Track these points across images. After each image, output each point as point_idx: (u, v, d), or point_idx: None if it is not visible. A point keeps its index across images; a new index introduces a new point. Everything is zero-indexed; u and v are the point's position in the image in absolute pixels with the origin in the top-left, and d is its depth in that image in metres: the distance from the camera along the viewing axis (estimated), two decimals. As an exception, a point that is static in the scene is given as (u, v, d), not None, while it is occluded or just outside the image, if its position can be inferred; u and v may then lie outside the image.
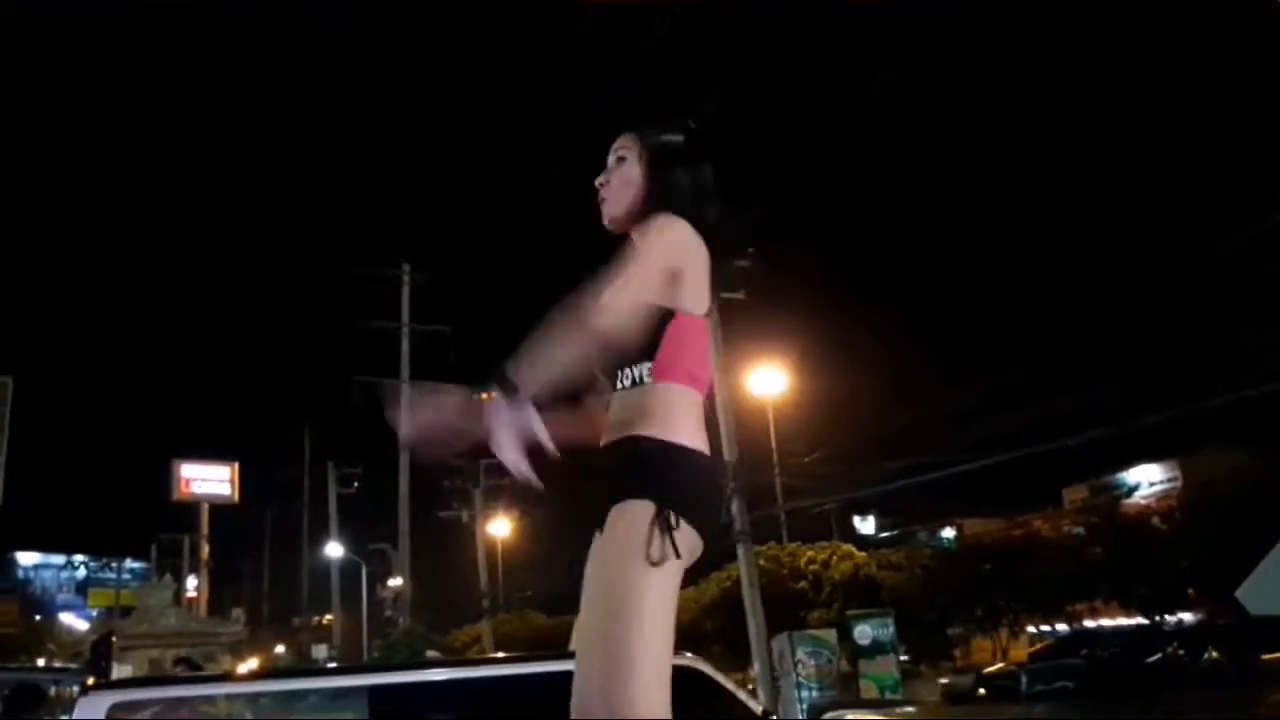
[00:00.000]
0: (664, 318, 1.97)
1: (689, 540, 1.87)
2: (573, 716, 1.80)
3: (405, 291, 26.07)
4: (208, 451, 36.34)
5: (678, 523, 1.84)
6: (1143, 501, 31.58)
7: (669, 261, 1.96)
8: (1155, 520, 25.76)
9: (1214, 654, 12.53)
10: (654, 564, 1.80)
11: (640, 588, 1.79)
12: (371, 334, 25.71)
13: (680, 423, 1.95)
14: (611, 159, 2.18)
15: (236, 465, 36.11)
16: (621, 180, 2.13)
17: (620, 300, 1.86)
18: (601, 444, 2.01)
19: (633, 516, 1.84)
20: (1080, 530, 27.54)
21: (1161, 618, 25.42)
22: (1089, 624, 29.35)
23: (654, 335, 1.96)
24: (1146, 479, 40.27)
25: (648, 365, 1.97)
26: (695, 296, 2.01)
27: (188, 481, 34.70)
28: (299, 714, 4.18)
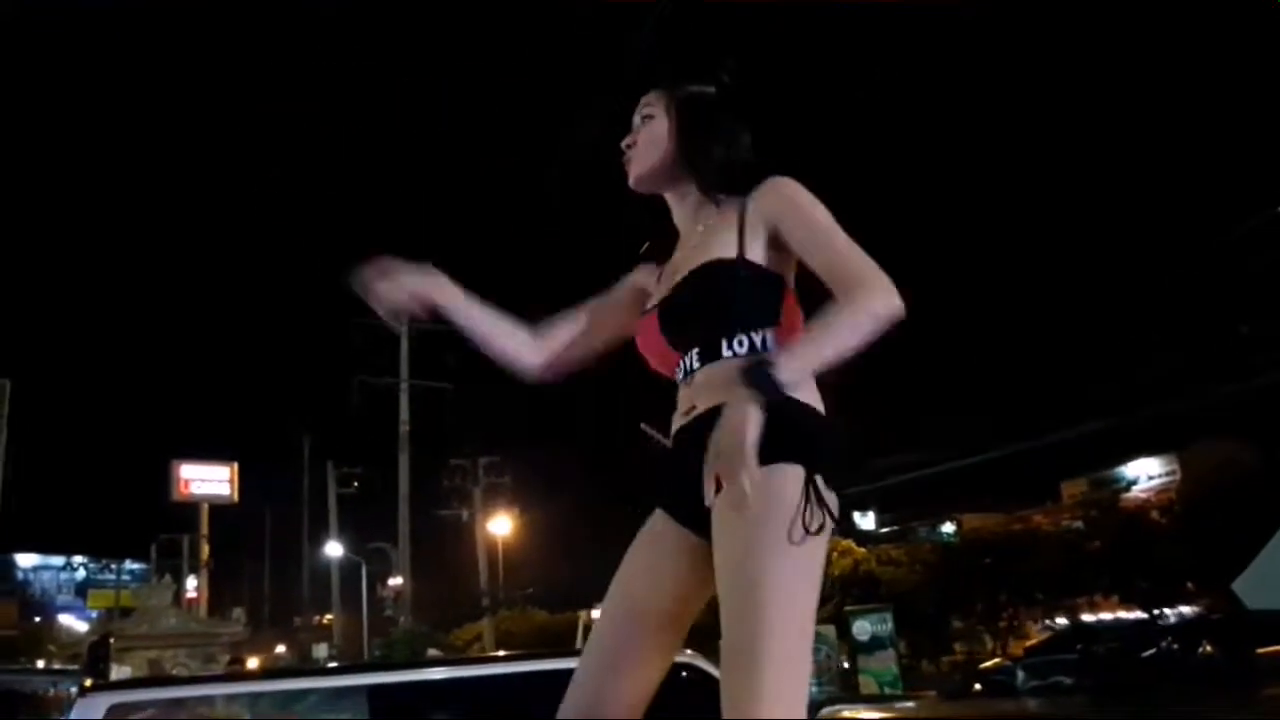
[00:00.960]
0: (783, 284, 1.86)
1: (835, 505, 1.71)
2: None
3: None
4: (207, 451, 36.37)
5: (830, 486, 1.69)
6: (1141, 495, 31.67)
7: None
8: (1154, 514, 25.82)
9: (1208, 648, 12.52)
10: (813, 533, 1.63)
11: (791, 573, 1.61)
12: (370, 332, 25.71)
13: (811, 388, 1.79)
14: (637, 119, 2.04)
15: (236, 465, 36.14)
16: (648, 138, 2.00)
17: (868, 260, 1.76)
18: (690, 411, 1.82)
19: (778, 485, 1.64)
20: (1079, 524, 27.62)
21: (1161, 611, 25.45)
22: (1088, 618, 29.38)
23: (778, 300, 1.84)
24: (1145, 473, 40.35)
25: (771, 330, 1.81)
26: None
27: (187, 482, 34.72)
28: (298, 714, 4.17)
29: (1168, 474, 38.31)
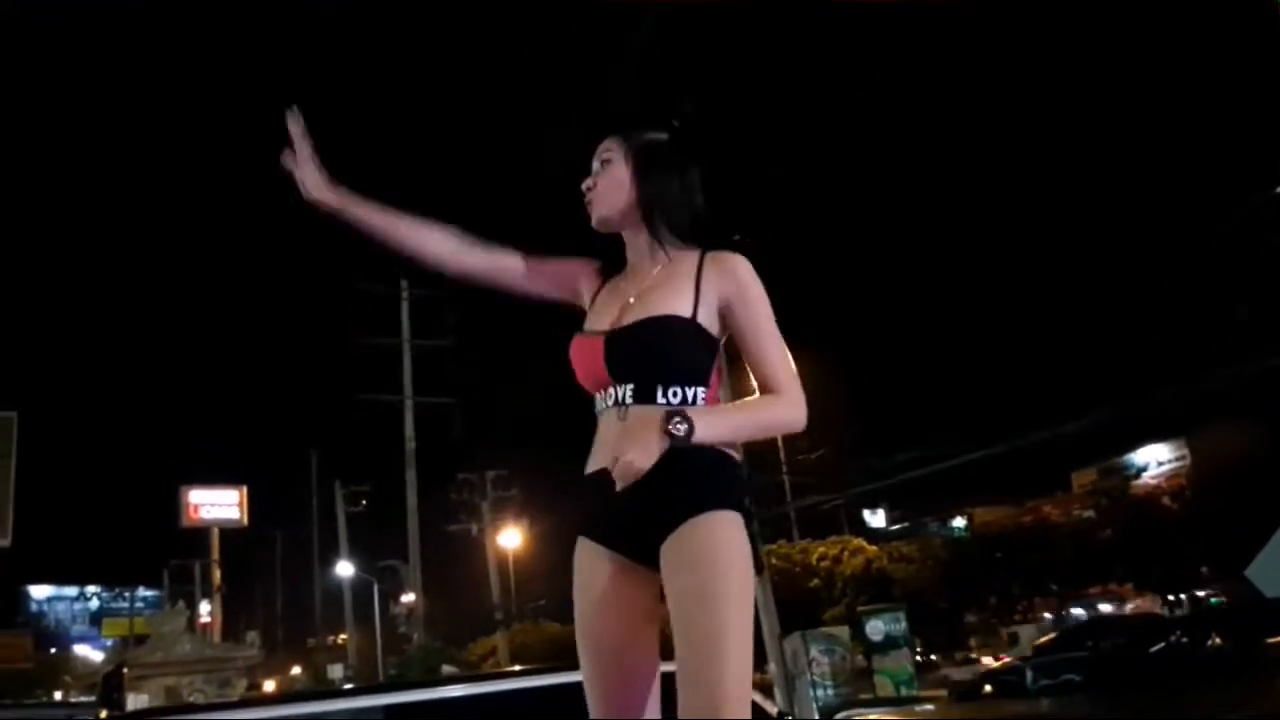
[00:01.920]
0: (718, 350, 2.06)
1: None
2: None
3: (404, 307, 26.08)
4: (215, 476, 36.33)
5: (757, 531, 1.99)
6: (1152, 482, 31.59)
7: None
8: (1165, 500, 25.76)
9: (1217, 640, 12.41)
10: (756, 574, 1.90)
11: (750, 606, 1.86)
12: (372, 351, 25.73)
13: (736, 444, 2.04)
14: (596, 163, 2.18)
15: (245, 489, 36.09)
16: (609, 182, 2.14)
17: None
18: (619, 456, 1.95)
19: (733, 528, 1.91)
20: (1090, 514, 27.54)
21: (1176, 598, 25.37)
22: (1104, 607, 29.30)
23: (712, 363, 2.04)
24: (1154, 459, 40.25)
25: (702, 389, 2.00)
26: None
27: (196, 507, 34.67)
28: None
29: (1177, 459, 38.20)
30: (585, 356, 2.06)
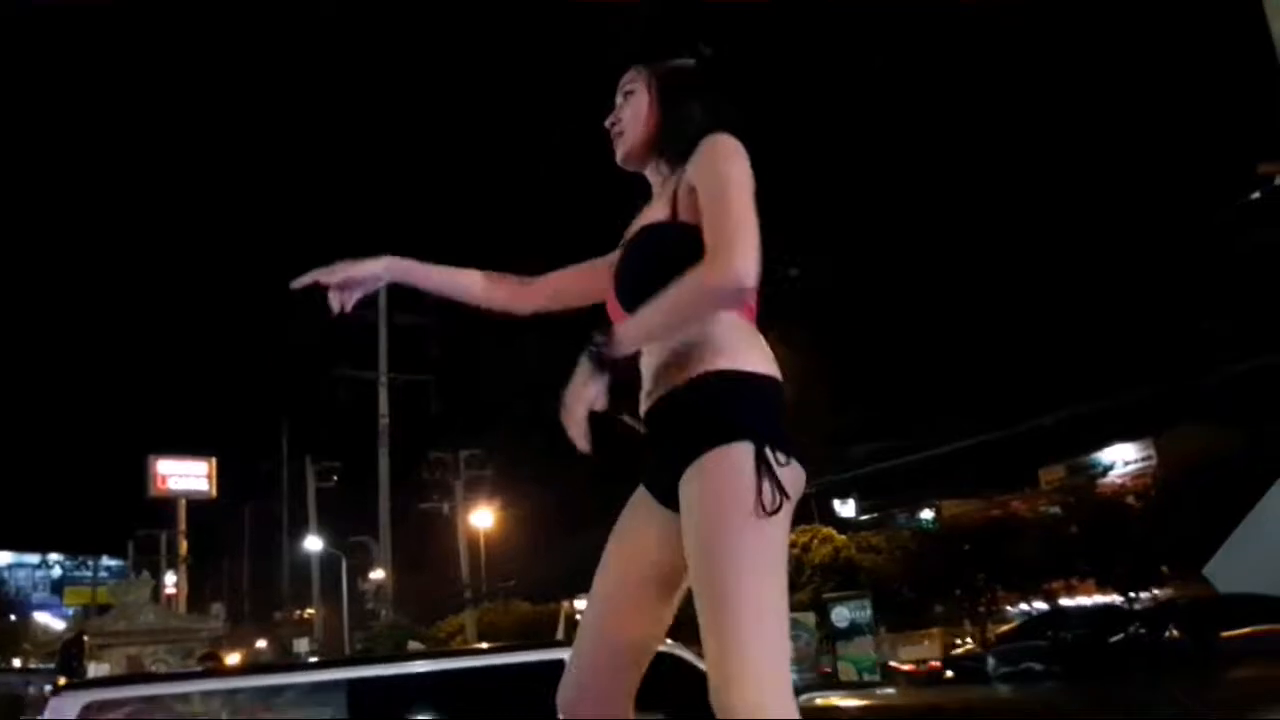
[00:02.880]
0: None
1: (794, 477, 1.70)
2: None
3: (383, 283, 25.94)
4: (184, 447, 36.04)
5: (784, 459, 1.67)
6: (1118, 480, 31.93)
7: (750, 183, 1.78)
8: (1130, 499, 26.07)
9: (1175, 633, 12.67)
10: (768, 515, 1.62)
11: (755, 552, 1.60)
12: (350, 327, 25.58)
13: (752, 352, 1.78)
14: (619, 97, 2.03)
15: (214, 460, 35.82)
16: (633, 114, 1.99)
17: (751, 246, 1.68)
18: (651, 391, 1.83)
19: (733, 463, 1.64)
20: (1057, 510, 27.86)
21: (1136, 595, 25.71)
22: (1066, 602, 29.65)
23: None
24: (1121, 458, 40.70)
25: None
26: None
27: (164, 478, 34.36)
28: (277, 710, 4.13)
29: (1144, 459, 38.65)
30: (610, 305, 1.96)
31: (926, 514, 44.00)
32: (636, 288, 1.81)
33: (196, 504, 35.07)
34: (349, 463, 33.38)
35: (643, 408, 1.87)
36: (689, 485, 1.69)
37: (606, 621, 1.87)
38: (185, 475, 34.91)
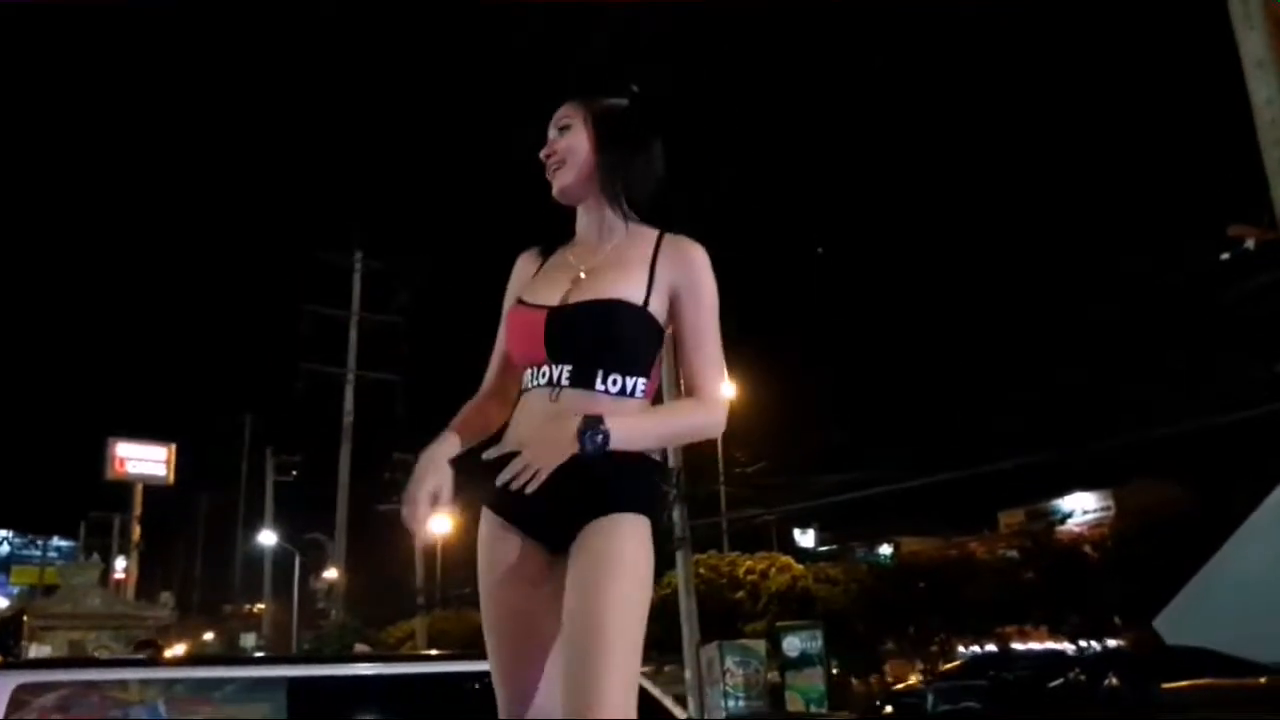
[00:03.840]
0: (663, 340, 1.97)
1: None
2: None
3: (356, 279, 25.82)
4: (144, 430, 35.57)
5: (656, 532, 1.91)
6: (1076, 529, 32.23)
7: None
8: (1087, 548, 26.29)
9: (1114, 681, 12.78)
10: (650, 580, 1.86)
11: (642, 608, 1.80)
12: (320, 320, 25.43)
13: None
14: (553, 130, 2.08)
15: (174, 446, 35.37)
16: (568, 149, 2.03)
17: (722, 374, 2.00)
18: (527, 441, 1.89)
19: (641, 533, 1.85)
20: (1014, 554, 28.02)
21: (1088, 644, 25.91)
22: (1018, 646, 29.82)
23: (656, 354, 1.96)
24: (1081, 507, 41.12)
25: (642, 380, 1.91)
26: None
27: (122, 460, 33.82)
28: (214, 703, 4.07)
29: (1102, 509, 39.07)
30: (523, 330, 1.96)
31: (885, 549, 44.19)
32: (583, 350, 1.90)
33: (153, 489, 34.57)
34: (310, 458, 33.13)
35: (518, 462, 1.91)
36: (592, 536, 1.83)
37: (521, 686, 1.92)
38: (144, 459, 34.38)
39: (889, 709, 15.24)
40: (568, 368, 1.89)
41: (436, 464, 2.00)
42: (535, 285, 2.01)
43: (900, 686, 18.02)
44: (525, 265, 2.11)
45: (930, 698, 14.10)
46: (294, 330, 25.41)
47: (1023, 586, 25.91)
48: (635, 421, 1.87)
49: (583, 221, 2.07)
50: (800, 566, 29.33)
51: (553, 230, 2.12)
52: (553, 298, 1.95)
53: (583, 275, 1.96)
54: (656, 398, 2.00)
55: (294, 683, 4.19)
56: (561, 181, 2.04)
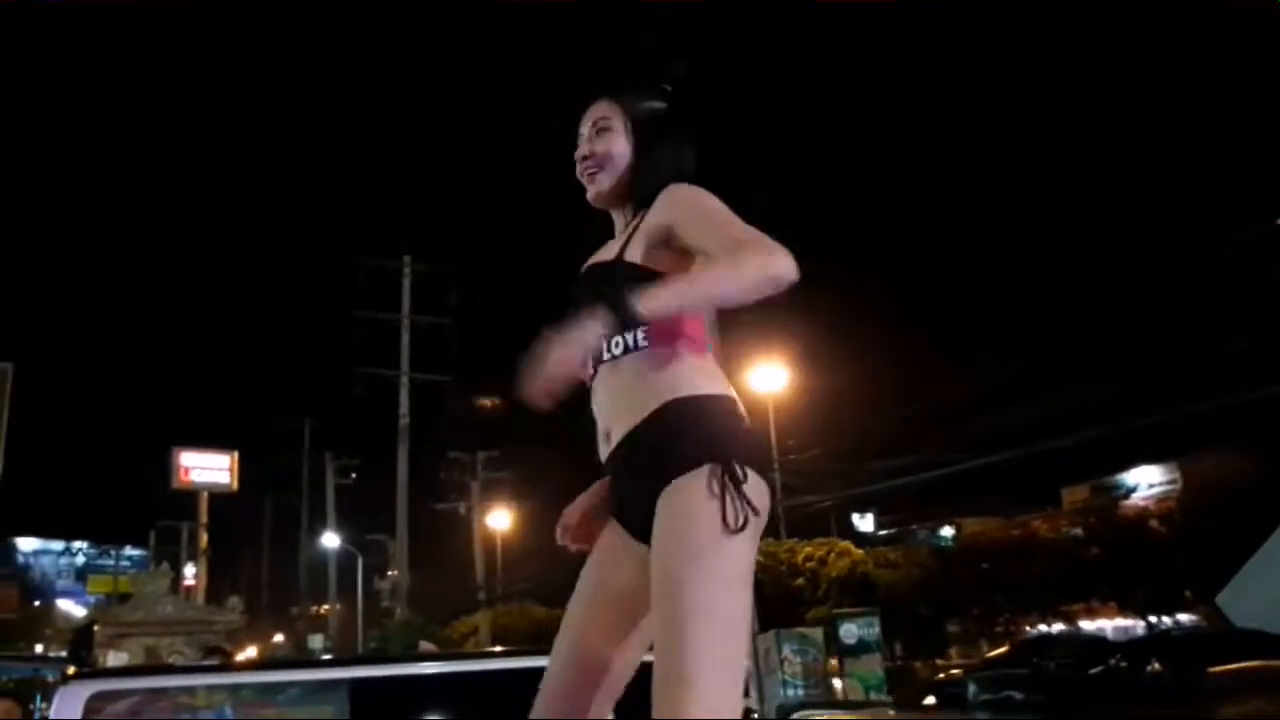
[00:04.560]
0: (655, 278, 1.83)
1: (761, 492, 1.73)
2: None
3: (406, 283, 26.09)
4: (207, 439, 36.30)
5: (746, 475, 1.69)
6: (1141, 503, 31.59)
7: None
8: (1154, 522, 25.77)
9: (1157, 666, 12.41)
10: (735, 532, 1.65)
11: (719, 567, 1.64)
12: (372, 325, 25.75)
13: (702, 377, 1.82)
14: (587, 129, 2.05)
15: (236, 454, 36.07)
16: (609, 154, 2.01)
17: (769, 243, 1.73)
18: (610, 433, 1.86)
19: (699, 487, 1.68)
20: (1078, 531, 27.55)
21: (1158, 619, 25.41)
22: (1086, 625, 29.35)
23: None
24: (1146, 481, 40.24)
25: (640, 331, 1.81)
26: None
27: (187, 470, 34.59)
28: (281, 706, 4.16)
29: (1168, 482, 38.18)
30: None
31: (946, 531, 43.70)
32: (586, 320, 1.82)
33: (218, 497, 35.31)
34: (368, 460, 33.59)
35: (603, 451, 1.91)
36: (661, 514, 1.72)
37: (577, 646, 1.88)
38: (208, 468, 35.12)
39: (931, 699, 15.08)
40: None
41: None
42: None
43: (942, 676, 17.83)
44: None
45: (971, 687, 13.91)
46: (348, 336, 25.79)
47: (1088, 563, 25.46)
48: (671, 281, 1.76)
49: (617, 221, 2.06)
50: (860, 551, 29.11)
51: (596, 230, 2.11)
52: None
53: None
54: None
55: (356, 684, 4.26)
56: (599, 187, 2.03)
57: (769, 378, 22.36)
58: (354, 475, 33.56)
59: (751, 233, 1.75)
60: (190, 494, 34.59)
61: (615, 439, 1.85)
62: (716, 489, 1.68)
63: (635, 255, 1.88)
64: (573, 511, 2.02)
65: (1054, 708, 11.91)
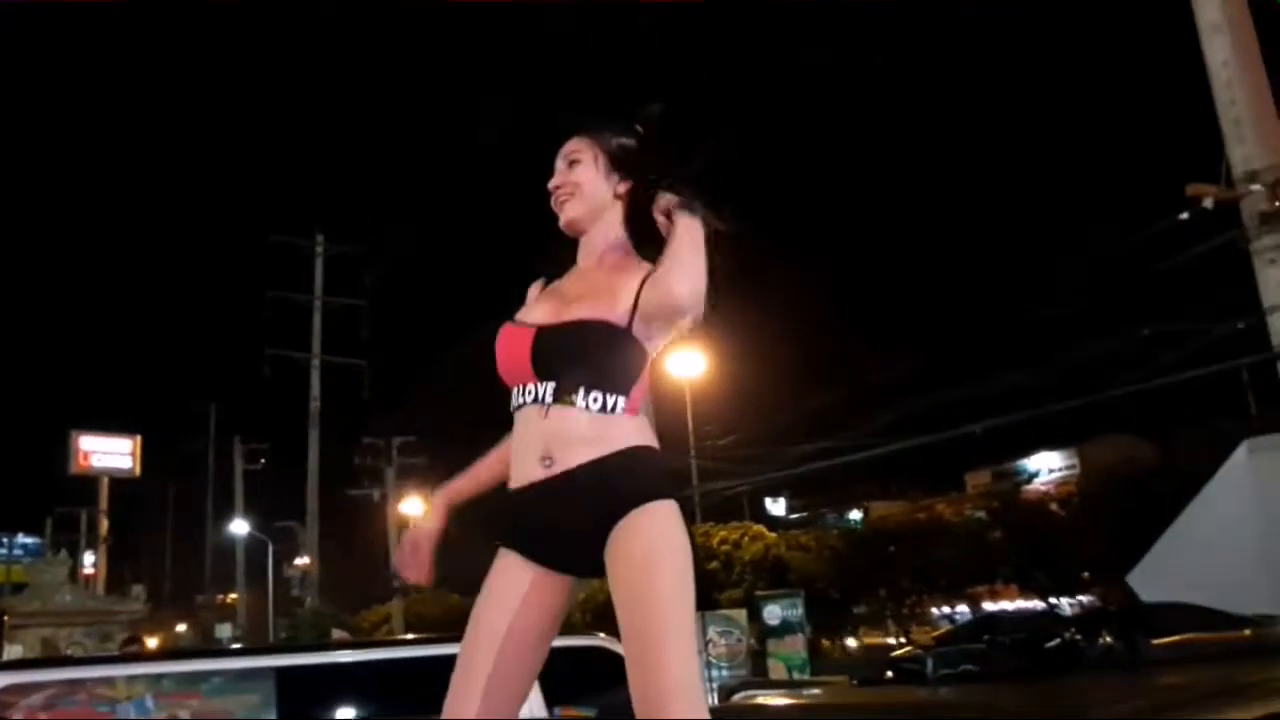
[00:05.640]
0: (646, 361, 2.02)
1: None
2: None
3: (318, 263, 25.58)
4: (108, 422, 35.11)
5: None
6: (1042, 488, 32.73)
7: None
8: (1054, 506, 26.71)
9: (1108, 639, 13.21)
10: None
11: (687, 594, 1.84)
12: (283, 305, 25.19)
13: (650, 434, 2.01)
14: (561, 162, 2.16)
15: (139, 438, 34.96)
16: (578, 184, 2.12)
17: (699, 268, 1.90)
18: (552, 465, 1.94)
19: (668, 516, 1.89)
20: (982, 515, 28.42)
21: (1058, 601, 26.36)
22: (989, 606, 30.30)
23: (639, 373, 2.00)
24: (1046, 466, 41.76)
25: (623, 397, 1.96)
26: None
27: (86, 454, 33.43)
28: (205, 696, 4.06)
29: (1068, 467, 39.70)
30: (512, 348, 2.03)
31: (855, 514, 44.68)
32: (566, 367, 1.96)
33: (119, 482, 34.21)
34: (278, 446, 32.89)
35: (531, 474, 1.96)
36: (628, 536, 1.87)
37: (488, 692, 1.93)
38: (109, 452, 34.00)
39: (889, 674, 15.55)
40: (552, 385, 1.96)
41: (417, 540, 2.21)
42: (531, 307, 2.11)
43: (900, 652, 18.35)
44: (532, 293, 2.20)
45: (930, 662, 14.40)
46: (257, 316, 25.19)
47: (991, 546, 26.29)
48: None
49: (583, 251, 2.15)
50: (773, 535, 29.58)
51: (559, 251, 2.19)
52: (541, 317, 2.03)
53: (573, 299, 2.04)
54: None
55: (281, 672, 4.19)
56: (570, 214, 2.13)
57: (687, 364, 22.50)
58: (263, 460, 32.85)
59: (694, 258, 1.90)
60: (89, 479, 33.45)
61: (564, 465, 1.93)
62: (679, 517, 1.90)
63: (640, 331, 1.98)
64: (424, 540, 2.20)
65: (1012, 679, 12.41)
